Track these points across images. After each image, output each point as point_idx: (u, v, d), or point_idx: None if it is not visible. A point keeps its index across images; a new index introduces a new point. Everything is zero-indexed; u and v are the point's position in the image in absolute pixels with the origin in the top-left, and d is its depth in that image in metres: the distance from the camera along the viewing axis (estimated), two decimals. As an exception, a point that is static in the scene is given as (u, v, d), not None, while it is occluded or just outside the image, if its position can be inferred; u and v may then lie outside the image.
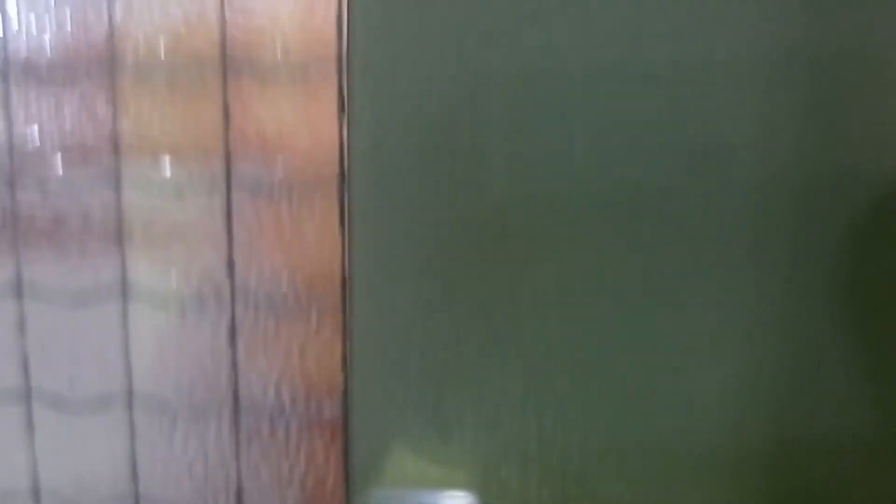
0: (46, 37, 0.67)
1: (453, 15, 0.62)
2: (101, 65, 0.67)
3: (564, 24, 0.62)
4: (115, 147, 0.67)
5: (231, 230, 0.68)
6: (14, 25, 0.67)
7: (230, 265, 0.68)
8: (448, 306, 0.67)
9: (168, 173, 0.67)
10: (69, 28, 0.66)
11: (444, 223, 0.65)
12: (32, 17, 0.67)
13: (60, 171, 0.67)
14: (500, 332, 0.66)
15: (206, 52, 0.67)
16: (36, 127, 0.67)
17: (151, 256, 0.68)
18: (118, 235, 0.68)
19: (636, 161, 0.63)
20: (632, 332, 0.65)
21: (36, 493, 0.70)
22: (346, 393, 0.70)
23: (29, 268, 0.68)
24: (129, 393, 0.69)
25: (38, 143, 0.67)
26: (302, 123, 0.67)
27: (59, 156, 0.67)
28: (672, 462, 0.66)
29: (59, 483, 0.70)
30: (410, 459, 0.69)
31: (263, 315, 0.68)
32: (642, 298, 0.64)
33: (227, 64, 0.67)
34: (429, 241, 0.66)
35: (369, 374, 0.68)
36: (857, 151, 0.62)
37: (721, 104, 0.62)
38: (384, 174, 0.65)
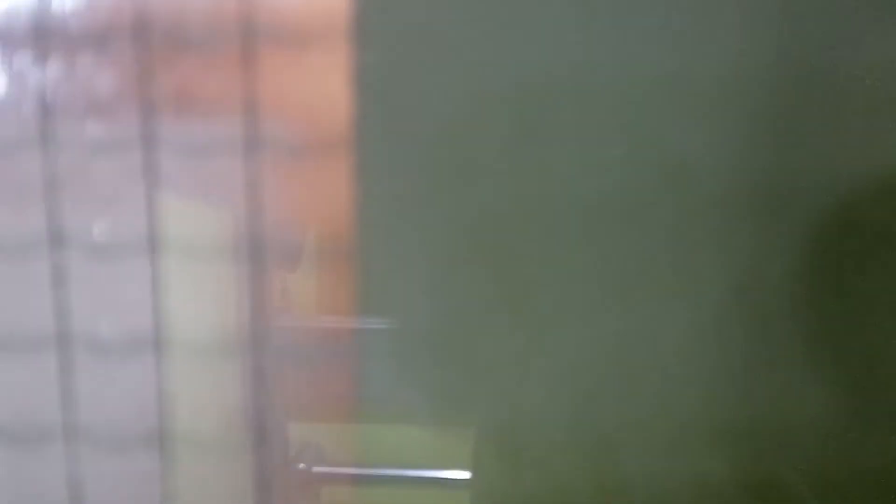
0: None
1: (452, 33, 0.67)
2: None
3: (549, 46, 0.66)
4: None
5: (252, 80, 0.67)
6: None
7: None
8: (454, 298, 0.71)
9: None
10: None
11: (442, 231, 0.70)
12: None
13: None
14: (493, 320, 0.70)
15: None
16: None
17: (178, 109, 0.68)
18: (146, 92, 0.67)
19: (615, 169, 0.68)
20: (614, 322, 0.70)
21: (67, 337, 0.68)
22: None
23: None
24: (154, 238, 0.68)
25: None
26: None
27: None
28: (650, 439, 0.71)
29: (90, 328, 0.69)
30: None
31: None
32: (624, 292, 0.69)
33: None
34: (433, 243, 0.70)
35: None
36: (817, 161, 0.67)
37: (694, 118, 0.67)
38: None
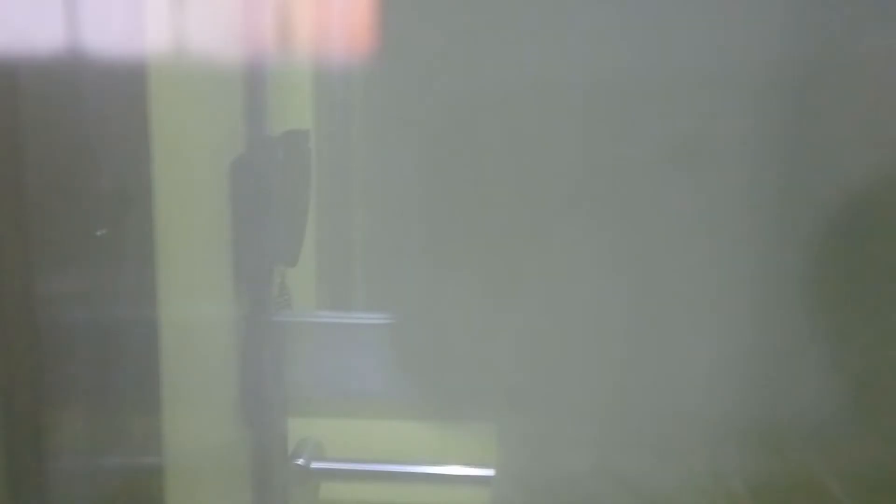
0: None
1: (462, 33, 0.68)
2: None
3: (566, 33, 0.66)
4: None
5: None
6: None
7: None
8: (464, 293, 0.70)
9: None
10: None
11: (449, 213, 0.69)
12: None
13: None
14: (504, 319, 0.70)
15: None
16: None
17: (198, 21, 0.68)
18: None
19: (628, 160, 0.67)
20: (627, 320, 0.69)
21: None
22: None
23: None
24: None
25: None
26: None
27: None
28: (666, 435, 0.70)
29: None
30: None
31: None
32: (638, 289, 0.69)
33: None
34: (441, 238, 0.70)
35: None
36: (832, 156, 0.66)
37: (709, 110, 0.66)
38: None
